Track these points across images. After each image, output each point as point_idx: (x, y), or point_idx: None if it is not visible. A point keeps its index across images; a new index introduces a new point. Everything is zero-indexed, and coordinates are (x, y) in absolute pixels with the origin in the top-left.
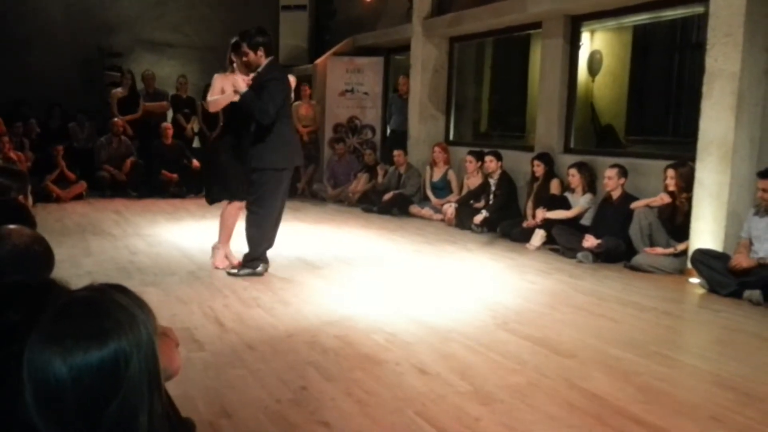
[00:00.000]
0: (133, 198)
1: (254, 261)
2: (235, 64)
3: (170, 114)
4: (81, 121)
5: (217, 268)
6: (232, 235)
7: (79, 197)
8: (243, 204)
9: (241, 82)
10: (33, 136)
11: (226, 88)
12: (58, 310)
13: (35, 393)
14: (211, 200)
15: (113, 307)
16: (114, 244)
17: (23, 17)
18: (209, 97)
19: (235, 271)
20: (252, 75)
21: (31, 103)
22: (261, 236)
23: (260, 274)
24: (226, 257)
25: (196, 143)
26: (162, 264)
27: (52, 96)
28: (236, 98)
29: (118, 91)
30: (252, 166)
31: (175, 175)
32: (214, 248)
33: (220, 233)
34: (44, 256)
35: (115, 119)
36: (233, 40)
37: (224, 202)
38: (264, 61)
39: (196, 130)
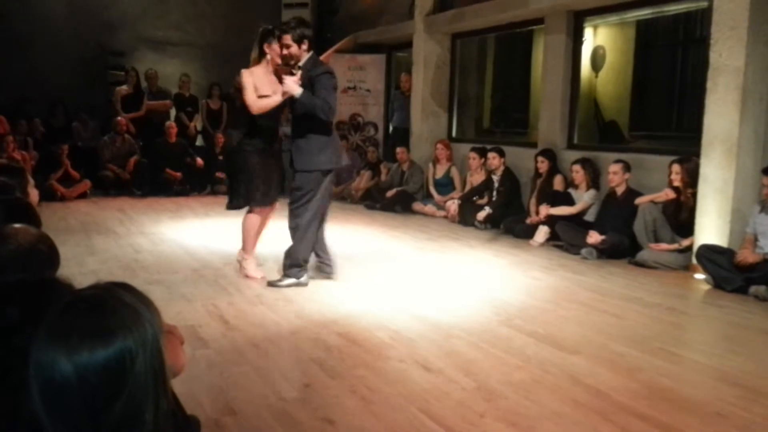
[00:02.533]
0: (136, 196)
1: (298, 269)
2: (268, 56)
3: (173, 112)
4: (84, 119)
5: (250, 277)
6: (257, 243)
7: (83, 196)
8: (269, 210)
9: (292, 83)
10: (37, 135)
11: (259, 84)
12: (64, 309)
13: (41, 391)
14: (233, 207)
15: (118, 306)
16: (118, 243)
17: (26, 16)
18: (248, 97)
19: (277, 281)
20: (299, 71)
21: (34, 101)
22: (307, 244)
23: (305, 284)
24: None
25: (199, 141)
26: (166, 262)
27: (54, 95)
28: (279, 99)
29: (123, 89)
30: (297, 168)
31: (178, 174)
32: (241, 260)
33: (246, 242)
34: (49, 254)
35: (119, 118)
36: (265, 29)
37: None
38: (305, 56)
39: (199, 128)
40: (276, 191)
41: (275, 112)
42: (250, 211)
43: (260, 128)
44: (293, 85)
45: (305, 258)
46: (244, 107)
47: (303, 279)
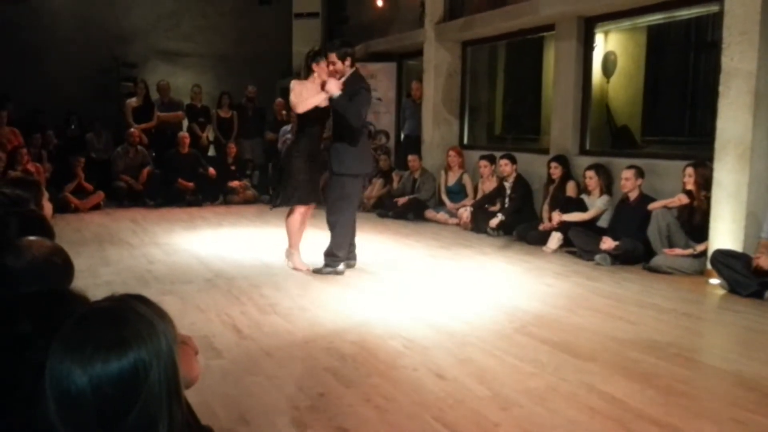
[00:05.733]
0: (150, 207)
1: (334, 259)
2: (315, 74)
3: (185, 123)
4: (98, 131)
5: (298, 270)
6: (301, 239)
7: (96, 207)
8: (309, 208)
9: (334, 85)
10: (51, 148)
11: (305, 93)
12: (79, 320)
13: (56, 403)
14: (276, 205)
15: (133, 317)
16: (131, 254)
17: (38, 28)
18: (294, 99)
19: (319, 269)
20: (342, 79)
21: (48, 113)
22: (343, 239)
23: (341, 273)
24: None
25: (211, 152)
26: (179, 272)
27: (68, 106)
28: (324, 101)
29: (132, 101)
30: (336, 172)
31: (191, 184)
32: (288, 254)
33: (291, 238)
34: (64, 267)
35: (132, 129)
36: (312, 51)
37: (286, 209)
38: (349, 71)
39: (211, 138)
40: (316, 193)
41: (321, 118)
42: (291, 211)
43: (307, 135)
44: (334, 87)
45: (341, 251)
46: (256, 117)
47: (339, 268)
